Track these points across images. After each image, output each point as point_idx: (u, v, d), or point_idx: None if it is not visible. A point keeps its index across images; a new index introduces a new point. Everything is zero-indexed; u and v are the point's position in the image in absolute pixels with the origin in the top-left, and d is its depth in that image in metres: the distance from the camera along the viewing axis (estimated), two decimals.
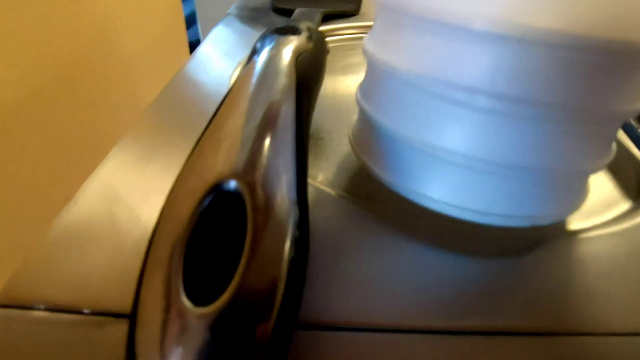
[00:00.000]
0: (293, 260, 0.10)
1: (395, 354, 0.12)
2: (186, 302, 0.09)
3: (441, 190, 0.15)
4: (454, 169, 0.14)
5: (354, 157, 0.22)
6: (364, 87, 0.18)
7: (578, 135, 0.14)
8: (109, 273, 0.14)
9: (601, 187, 0.21)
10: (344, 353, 0.12)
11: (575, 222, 0.19)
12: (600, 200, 0.20)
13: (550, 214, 0.16)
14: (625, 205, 0.20)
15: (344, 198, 0.18)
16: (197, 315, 0.09)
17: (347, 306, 0.13)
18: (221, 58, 0.32)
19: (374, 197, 0.19)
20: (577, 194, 0.16)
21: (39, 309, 0.13)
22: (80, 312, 0.13)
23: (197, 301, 0.09)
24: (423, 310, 0.13)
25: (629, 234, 0.18)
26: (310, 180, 0.19)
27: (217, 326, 0.09)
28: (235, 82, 0.15)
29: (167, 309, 0.09)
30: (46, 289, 0.14)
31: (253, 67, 0.16)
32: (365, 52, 0.17)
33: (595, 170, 0.15)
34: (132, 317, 0.10)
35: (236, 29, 0.37)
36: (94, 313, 0.13)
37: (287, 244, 0.10)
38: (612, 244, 0.17)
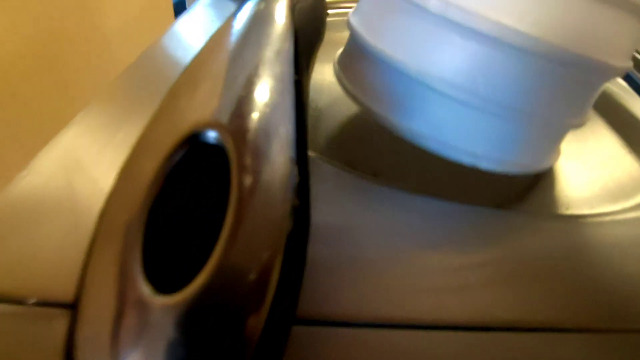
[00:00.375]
0: (291, 235, 0.08)
1: (416, 356, 0.10)
2: (146, 289, 0.07)
3: (422, 122, 0.15)
4: (439, 101, 0.14)
5: (358, 130, 0.19)
6: (358, 11, 0.18)
7: (566, 85, 0.14)
8: (62, 256, 0.12)
9: (630, 170, 0.19)
10: (351, 355, 0.10)
11: (604, 205, 0.17)
12: (628, 182, 0.19)
13: (521, 162, 0.16)
14: None
15: (347, 172, 0.15)
16: (160, 306, 0.07)
17: (354, 297, 0.11)
18: (208, 25, 0.29)
19: (380, 172, 0.16)
20: (549, 150, 0.17)
21: None
22: (22, 303, 0.10)
23: (162, 287, 0.07)
24: (444, 302, 0.11)
25: None
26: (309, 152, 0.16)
27: (188, 321, 0.06)
28: (221, 26, 0.13)
29: (119, 297, 0.07)
30: None
31: (242, 12, 0.13)
32: None
33: (571, 126, 0.16)
34: (74, 307, 0.07)
35: (224, 1, 0.34)
36: (40, 304, 0.10)
37: (285, 214, 0.08)
38: None
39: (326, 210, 0.13)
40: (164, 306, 0.07)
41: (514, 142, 0.15)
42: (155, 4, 0.64)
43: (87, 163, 0.15)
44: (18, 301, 0.10)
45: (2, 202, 0.13)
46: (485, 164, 0.15)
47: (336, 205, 0.14)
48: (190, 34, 0.28)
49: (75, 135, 0.16)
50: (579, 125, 0.16)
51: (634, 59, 0.26)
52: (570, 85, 0.15)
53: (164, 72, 0.22)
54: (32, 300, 0.10)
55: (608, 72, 0.15)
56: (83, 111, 0.18)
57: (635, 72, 0.25)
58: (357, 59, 0.17)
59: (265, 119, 0.09)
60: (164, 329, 0.06)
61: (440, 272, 0.12)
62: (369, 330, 0.10)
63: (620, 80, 0.26)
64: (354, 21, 0.17)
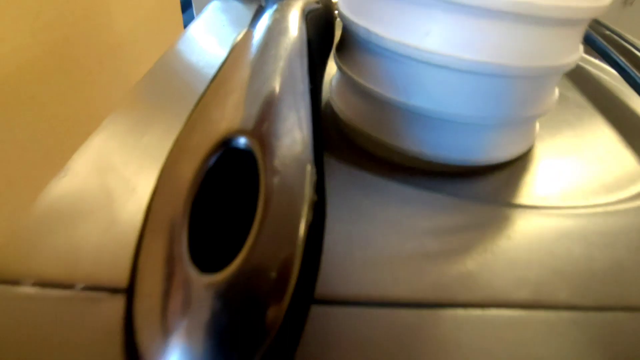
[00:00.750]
0: (312, 225, 0.09)
1: (420, 332, 0.11)
2: (192, 270, 0.08)
3: (410, 141, 0.17)
4: (423, 122, 0.17)
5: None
6: (340, 49, 0.20)
7: (522, 90, 0.17)
8: (102, 246, 0.13)
9: (626, 163, 0.20)
10: (363, 331, 0.11)
11: (599, 197, 0.18)
12: (624, 175, 0.20)
13: (497, 156, 0.18)
14: None
15: (357, 169, 0.17)
16: (204, 284, 0.08)
17: (364, 280, 0.12)
18: (220, 29, 0.30)
19: (388, 165, 0.17)
20: (522, 139, 0.19)
21: (26, 285, 0.12)
22: (72, 287, 0.12)
23: (205, 269, 0.08)
24: (449, 283, 0.12)
25: None
26: None
27: (228, 296, 0.08)
28: (240, 38, 0.14)
29: (170, 276, 0.08)
30: (35, 263, 0.13)
31: (259, 24, 0.15)
32: (341, 17, 0.18)
33: (536, 117, 0.18)
34: (129, 288, 0.09)
35: (234, 5, 0.36)
36: (88, 288, 0.12)
37: (305, 207, 0.09)
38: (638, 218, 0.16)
39: (339, 203, 0.14)
40: (207, 284, 0.08)
41: (485, 143, 0.18)
42: (162, 5, 0.66)
43: (118, 164, 0.16)
44: (69, 286, 0.12)
45: (45, 200, 0.15)
46: (462, 162, 0.18)
47: (348, 200, 0.15)
48: (203, 39, 0.29)
49: (104, 139, 0.18)
50: (544, 113, 0.18)
51: (630, 53, 0.27)
52: (526, 90, 0.17)
53: (181, 78, 0.23)
54: (81, 286, 0.12)
55: (559, 70, 0.17)
56: (109, 117, 0.19)
57: (631, 67, 0.26)
58: (343, 87, 0.20)
59: (286, 126, 0.10)
60: (208, 303, 0.08)
61: (442, 258, 0.13)
62: (377, 309, 0.11)
63: (617, 74, 0.27)
64: (337, 57, 0.20)
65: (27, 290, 0.12)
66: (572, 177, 0.19)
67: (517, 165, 0.19)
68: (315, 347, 0.11)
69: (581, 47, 0.18)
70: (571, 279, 0.13)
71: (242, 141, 0.09)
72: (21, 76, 0.40)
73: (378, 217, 0.14)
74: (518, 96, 0.16)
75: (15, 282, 0.12)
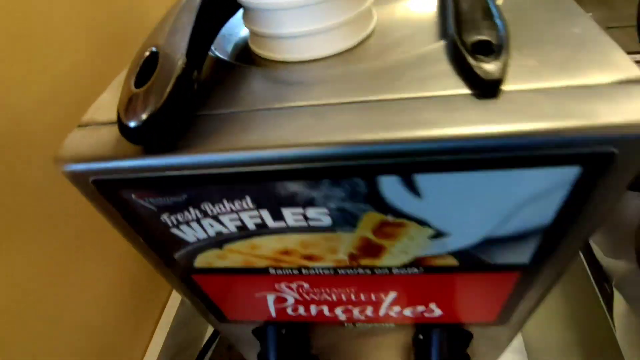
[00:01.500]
0: (178, 77, 0.24)
1: (262, 127, 0.26)
2: (134, 88, 0.24)
3: (278, 51, 0.30)
4: (282, 41, 0.30)
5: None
6: (244, 15, 0.33)
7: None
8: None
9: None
10: (220, 126, 0.26)
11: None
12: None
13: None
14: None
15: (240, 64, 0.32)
16: (137, 92, 0.24)
17: (225, 101, 0.27)
18: None
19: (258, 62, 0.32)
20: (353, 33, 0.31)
21: (91, 125, 0.29)
22: (104, 124, 0.29)
23: (138, 86, 0.24)
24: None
25: None
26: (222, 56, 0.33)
27: (143, 96, 0.24)
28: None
29: (127, 91, 0.24)
30: (94, 117, 0.29)
31: None
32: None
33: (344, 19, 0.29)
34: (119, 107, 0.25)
35: None
36: (109, 123, 0.28)
37: (175, 71, 0.25)
38: None
39: (225, 82, 0.30)
40: (137, 92, 0.24)
41: (326, 42, 0.30)
42: None
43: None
44: (105, 124, 0.28)
45: (92, 110, 0.31)
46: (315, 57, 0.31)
47: (232, 81, 0.30)
48: None
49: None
50: (349, 16, 0.29)
51: None
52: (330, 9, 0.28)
53: None
54: (107, 121, 0.28)
55: None
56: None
57: None
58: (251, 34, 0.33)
59: (174, 41, 0.25)
60: (136, 97, 0.24)
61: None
62: (230, 113, 0.26)
63: None
64: (243, 18, 0.33)
65: (90, 127, 0.29)
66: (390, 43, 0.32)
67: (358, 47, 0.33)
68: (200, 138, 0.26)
69: None
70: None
71: (154, 49, 0.25)
72: (96, 57, 0.59)
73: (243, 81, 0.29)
74: (324, 12, 0.29)
75: (85, 125, 0.29)
